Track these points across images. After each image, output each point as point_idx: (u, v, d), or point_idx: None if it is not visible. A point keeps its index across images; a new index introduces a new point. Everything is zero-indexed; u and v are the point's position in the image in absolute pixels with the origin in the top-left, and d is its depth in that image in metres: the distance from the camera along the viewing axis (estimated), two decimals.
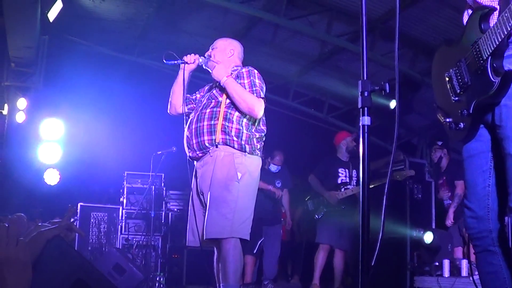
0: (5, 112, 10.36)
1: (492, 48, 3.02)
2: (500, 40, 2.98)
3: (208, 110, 5.12)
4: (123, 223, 10.84)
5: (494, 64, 3.05)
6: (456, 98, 3.29)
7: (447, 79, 3.37)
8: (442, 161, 9.68)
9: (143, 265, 10.27)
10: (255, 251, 9.09)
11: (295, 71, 12.99)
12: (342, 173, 9.20)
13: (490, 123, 3.23)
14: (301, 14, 10.20)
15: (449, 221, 9.24)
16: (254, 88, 5.07)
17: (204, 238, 4.90)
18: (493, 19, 3.13)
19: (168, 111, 5.47)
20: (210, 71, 5.22)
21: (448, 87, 3.36)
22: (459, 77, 3.26)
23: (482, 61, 3.08)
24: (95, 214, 10.83)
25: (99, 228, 10.85)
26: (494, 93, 3.07)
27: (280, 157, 9.81)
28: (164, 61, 5.22)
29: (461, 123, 3.27)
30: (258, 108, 5.02)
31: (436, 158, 9.79)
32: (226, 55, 5.42)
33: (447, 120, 3.38)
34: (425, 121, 13.23)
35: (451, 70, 3.33)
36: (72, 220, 4.30)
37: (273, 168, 9.79)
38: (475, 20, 3.19)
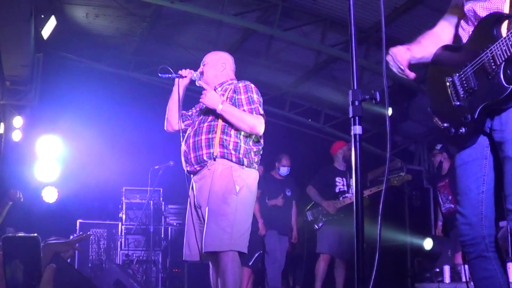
0: (1, 130, 10.33)
1: (508, 54, 3.01)
2: None
3: (205, 124, 5.12)
4: (123, 239, 10.82)
5: (508, 71, 3.04)
6: (458, 103, 3.29)
7: (448, 83, 3.36)
8: (443, 165, 9.64)
9: (144, 280, 10.24)
10: (251, 263, 9.06)
11: (290, 81, 13.00)
12: (339, 182, 9.20)
13: (489, 128, 3.25)
14: (295, 25, 10.22)
15: None
16: (253, 106, 5.04)
17: (203, 251, 4.88)
18: (504, 26, 3.13)
19: (165, 128, 5.46)
20: (203, 89, 5.20)
21: (449, 91, 3.35)
22: (464, 81, 3.25)
23: (495, 67, 3.07)
24: (95, 231, 10.81)
25: (98, 245, 10.83)
26: (503, 99, 3.08)
27: (287, 159, 9.87)
28: (159, 74, 5.21)
29: (463, 128, 3.27)
30: (259, 126, 5.01)
31: (437, 163, 9.75)
32: (218, 70, 5.37)
33: (445, 125, 3.38)
34: (422, 128, 13.23)
35: (454, 74, 3.32)
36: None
37: (284, 170, 9.84)
38: (485, 26, 3.18)
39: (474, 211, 3.32)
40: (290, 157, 10.06)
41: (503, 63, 3.04)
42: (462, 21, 3.47)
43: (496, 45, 3.06)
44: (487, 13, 3.22)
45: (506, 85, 3.04)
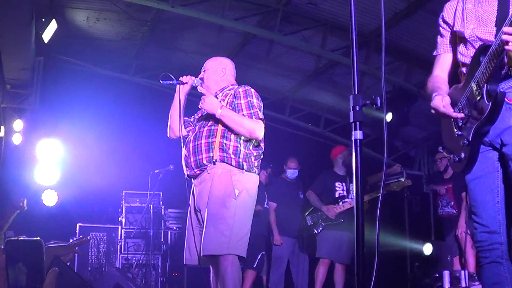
0: (1, 134, 10.33)
1: (487, 75, 3.22)
2: (493, 65, 3.18)
3: (205, 129, 5.12)
4: (122, 243, 10.82)
5: (489, 88, 3.24)
6: (459, 132, 3.50)
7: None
8: (448, 169, 9.60)
9: (144, 284, 10.25)
10: (255, 265, 9.08)
11: (291, 86, 13.02)
12: (339, 187, 9.20)
13: (498, 143, 3.44)
14: (295, 30, 10.23)
15: (461, 229, 9.08)
16: (252, 110, 5.04)
17: (201, 255, 4.88)
18: None
19: (168, 135, 5.47)
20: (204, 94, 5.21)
21: (452, 123, 3.56)
22: (462, 111, 3.46)
23: (480, 90, 3.28)
24: (94, 234, 10.82)
25: (98, 248, 10.83)
26: (487, 116, 3.27)
27: (293, 161, 9.90)
28: (161, 81, 5.23)
29: (462, 154, 3.47)
30: (259, 130, 5.01)
31: (442, 167, 9.67)
32: (218, 75, 5.37)
33: (451, 155, 3.60)
34: (422, 133, 13.24)
35: (455, 108, 3.52)
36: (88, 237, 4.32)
37: (291, 173, 9.87)
38: (475, 57, 3.41)
39: (492, 220, 3.49)
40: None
41: (486, 84, 3.25)
42: (460, 47, 3.67)
43: (479, 70, 3.28)
44: (488, 37, 3.41)
45: (487, 102, 3.25)
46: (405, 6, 9.21)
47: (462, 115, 3.49)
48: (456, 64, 3.75)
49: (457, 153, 3.51)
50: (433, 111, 3.62)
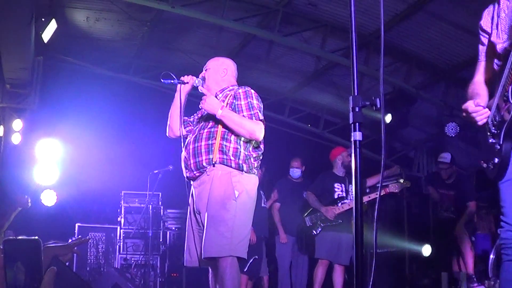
0: (0, 133, 10.33)
1: (511, 77, 3.30)
2: None
3: (205, 130, 5.10)
4: (121, 243, 10.81)
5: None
6: (492, 140, 3.57)
7: (486, 127, 3.64)
8: (451, 177, 9.58)
9: (142, 284, 10.24)
10: (245, 269, 9.05)
11: (290, 87, 13.02)
12: (338, 188, 9.19)
13: None
14: (295, 31, 10.24)
15: (460, 231, 9.08)
16: (252, 112, 5.03)
17: (203, 257, 4.87)
18: None
19: (167, 135, 5.45)
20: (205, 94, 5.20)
21: (487, 133, 3.63)
22: (494, 119, 3.55)
23: (507, 93, 3.36)
24: (93, 234, 10.81)
25: (97, 248, 10.83)
26: None
27: (297, 161, 10.00)
28: (162, 80, 5.20)
29: (496, 159, 3.54)
30: (259, 132, 4.99)
31: (446, 176, 9.65)
32: (219, 75, 5.36)
33: (486, 165, 3.66)
34: (421, 135, 13.24)
35: (489, 117, 3.60)
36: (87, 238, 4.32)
37: (293, 172, 9.99)
38: (503, 64, 3.50)
39: None
40: (288, 162, 10.10)
41: (510, 85, 3.33)
42: (495, 57, 3.73)
43: (504, 73, 3.36)
44: None
45: (511, 102, 3.34)
46: (405, 8, 9.21)
47: (481, 107, 3.54)
48: (494, 73, 3.80)
49: (491, 160, 3.57)
50: (464, 114, 3.66)
